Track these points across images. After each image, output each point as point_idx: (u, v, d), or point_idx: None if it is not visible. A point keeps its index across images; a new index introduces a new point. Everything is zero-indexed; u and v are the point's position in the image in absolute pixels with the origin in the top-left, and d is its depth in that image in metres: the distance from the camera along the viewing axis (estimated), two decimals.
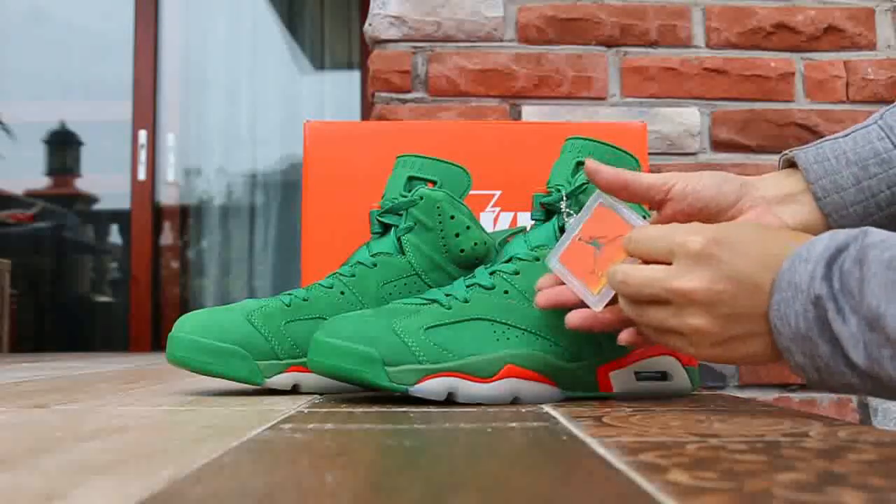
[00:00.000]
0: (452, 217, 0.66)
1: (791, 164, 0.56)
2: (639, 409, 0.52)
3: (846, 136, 0.54)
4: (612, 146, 0.61)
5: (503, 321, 0.56)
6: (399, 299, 0.60)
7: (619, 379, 0.60)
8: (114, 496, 0.26)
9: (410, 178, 0.68)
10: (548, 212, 0.61)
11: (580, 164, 0.61)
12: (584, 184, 0.59)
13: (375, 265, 0.66)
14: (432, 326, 0.55)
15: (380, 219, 0.68)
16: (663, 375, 0.61)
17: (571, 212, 0.59)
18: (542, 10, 1.08)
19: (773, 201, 0.54)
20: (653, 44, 1.08)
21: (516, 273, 0.58)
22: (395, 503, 0.25)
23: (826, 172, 0.53)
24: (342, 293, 0.65)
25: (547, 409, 0.53)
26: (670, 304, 0.46)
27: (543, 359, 0.57)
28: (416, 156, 0.69)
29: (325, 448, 0.37)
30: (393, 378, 0.53)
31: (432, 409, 0.52)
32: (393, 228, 0.67)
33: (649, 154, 0.99)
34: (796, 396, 1.04)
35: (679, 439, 0.38)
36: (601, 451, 0.35)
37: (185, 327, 0.62)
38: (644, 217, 0.56)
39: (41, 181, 3.29)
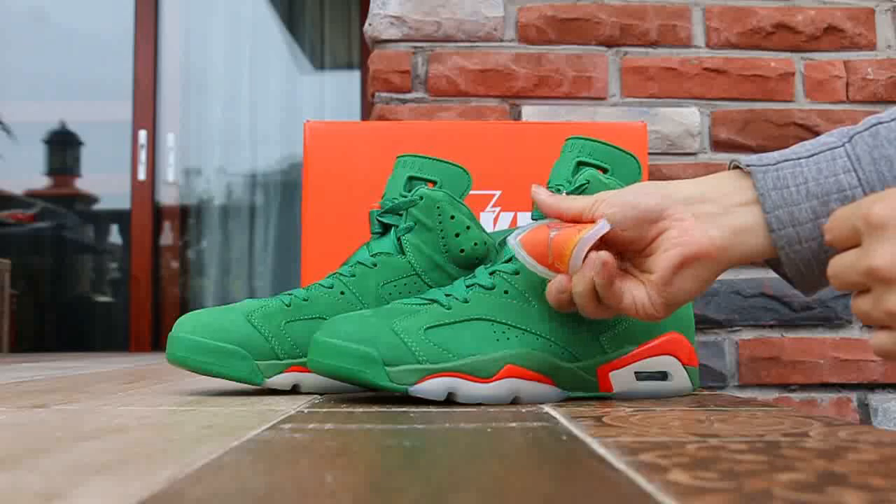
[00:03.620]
0: (452, 217, 0.66)
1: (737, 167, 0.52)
2: (639, 409, 0.52)
3: (810, 156, 0.50)
4: (611, 146, 0.61)
5: (503, 321, 0.56)
6: (399, 299, 0.60)
7: (620, 379, 0.60)
8: (114, 496, 0.26)
9: (410, 178, 0.68)
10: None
11: (581, 163, 0.61)
12: (584, 184, 0.59)
13: (375, 265, 0.66)
14: (432, 326, 0.55)
15: (380, 219, 0.68)
16: (663, 375, 0.61)
17: None
18: (542, 10, 1.08)
19: (710, 219, 0.50)
20: (653, 44, 1.08)
21: (516, 273, 0.58)
22: (395, 503, 0.25)
23: (784, 202, 0.49)
24: (342, 293, 0.65)
25: (547, 409, 0.53)
26: (869, 290, 0.38)
27: (543, 359, 0.57)
28: (416, 156, 0.69)
29: (325, 448, 0.37)
30: (393, 378, 0.53)
31: (432, 409, 0.52)
32: (393, 228, 0.67)
33: (649, 154, 0.99)
34: (796, 396, 1.04)
35: (679, 439, 0.38)
36: (601, 451, 0.35)
37: (186, 327, 0.62)
38: None
39: (41, 181, 3.29)
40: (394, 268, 0.65)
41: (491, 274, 0.59)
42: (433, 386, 0.54)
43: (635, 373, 0.60)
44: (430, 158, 0.69)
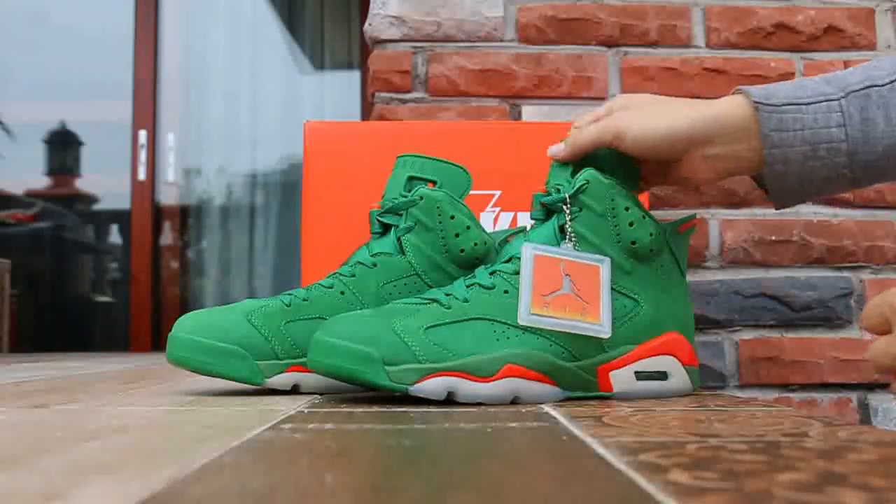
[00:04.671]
0: (452, 217, 0.66)
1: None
2: (639, 409, 0.52)
3: (810, 104, 0.56)
4: (439, 160, 0.63)
5: (503, 321, 0.56)
6: (399, 299, 0.60)
7: (620, 379, 0.60)
8: (114, 496, 0.26)
9: (410, 178, 0.68)
10: (548, 211, 0.61)
11: (580, 165, 0.61)
12: (584, 184, 0.59)
13: (375, 265, 0.66)
14: (432, 326, 0.55)
15: (380, 219, 0.68)
16: (663, 375, 0.61)
17: (575, 215, 0.59)
18: (542, 10, 1.08)
19: (716, 160, 0.59)
20: (653, 44, 1.08)
21: (516, 273, 0.58)
22: (395, 503, 0.25)
23: (781, 143, 0.56)
24: (342, 293, 0.65)
25: (547, 409, 0.53)
26: None
27: (544, 358, 0.57)
28: (416, 156, 0.69)
29: (325, 448, 0.37)
30: (393, 378, 0.53)
31: (432, 409, 0.52)
32: (393, 228, 0.67)
33: None
34: (796, 396, 1.04)
35: (679, 439, 0.38)
36: (601, 451, 0.35)
37: (185, 327, 0.62)
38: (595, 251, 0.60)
39: (41, 181, 3.29)
40: (394, 268, 0.65)
41: (491, 274, 0.59)
42: (433, 385, 0.53)
43: (635, 373, 0.60)
44: (430, 158, 0.69)
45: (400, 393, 0.54)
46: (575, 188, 0.59)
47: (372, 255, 0.66)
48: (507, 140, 0.88)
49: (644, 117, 0.59)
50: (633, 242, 0.60)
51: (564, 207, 0.60)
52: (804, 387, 1.04)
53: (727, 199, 1.06)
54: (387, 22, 1.06)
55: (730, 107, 0.58)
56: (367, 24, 1.08)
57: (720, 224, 1.06)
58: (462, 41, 1.07)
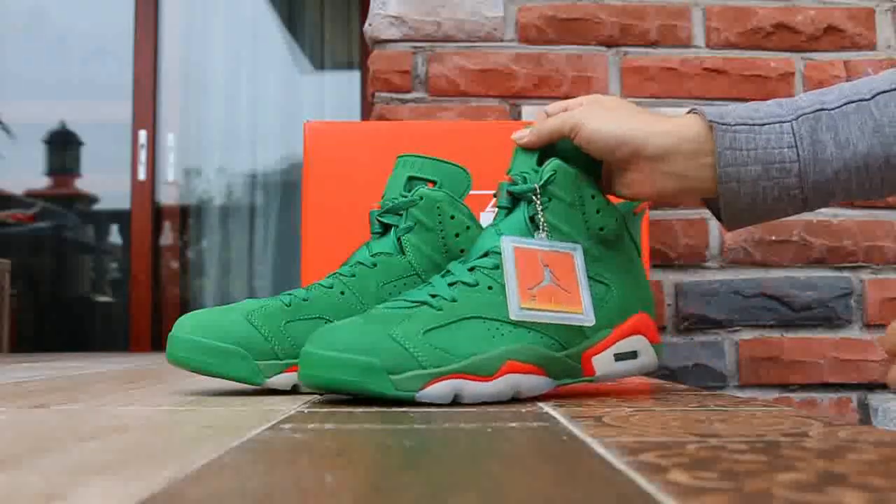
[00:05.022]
0: (452, 217, 0.66)
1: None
2: (639, 409, 0.52)
3: (763, 125, 0.57)
4: (439, 160, 0.65)
5: (495, 318, 0.56)
6: (384, 304, 0.60)
7: (601, 362, 0.61)
8: (114, 496, 0.26)
9: (410, 178, 0.68)
10: (514, 199, 0.61)
11: (545, 154, 0.61)
12: (552, 174, 0.60)
13: (375, 265, 0.65)
14: (430, 329, 0.54)
15: (380, 219, 0.68)
16: (634, 354, 0.63)
17: (545, 206, 0.60)
18: (542, 10, 1.08)
19: (668, 178, 0.59)
20: (653, 44, 1.08)
21: (496, 267, 0.58)
22: (395, 503, 0.25)
23: (735, 161, 0.57)
24: (342, 293, 0.65)
25: (547, 409, 0.53)
26: None
27: (538, 351, 0.57)
28: (416, 156, 0.69)
29: (325, 448, 0.37)
30: (398, 386, 0.52)
31: (432, 409, 0.52)
32: (393, 228, 0.67)
33: None
34: (796, 396, 1.04)
35: (679, 439, 0.38)
36: (601, 451, 0.35)
37: (185, 327, 0.62)
38: (574, 241, 0.60)
39: (41, 181, 3.29)
40: (394, 268, 0.65)
41: (470, 270, 0.59)
42: (439, 390, 0.53)
43: (614, 355, 0.62)
44: (430, 158, 0.69)
45: (407, 401, 0.53)
46: (544, 179, 0.60)
47: (372, 255, 0.66)
48: (507, 140, 0.88)
49: (603, 116, 0.60)
50: (601, 229, 0.61)
51: (534, 198, 0.60)
52: (804, 387, 1.04)
53: None
54: (387, 22, 1.06)
55: (684, 124, 0.59)
56: (367, 24, 1.08)
57: (720, 224, 1.06)
58: (462, 41, 1.07)
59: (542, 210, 0.60)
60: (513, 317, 0.56)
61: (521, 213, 0.61)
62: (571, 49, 1.08)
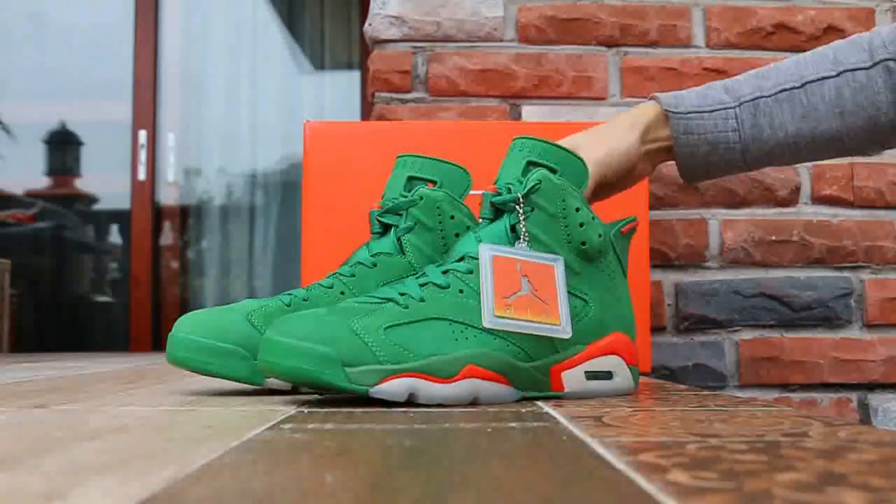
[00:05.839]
0: (452, 217, 0.66)
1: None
2: (639, 409, 0.52)
3: (711, 111, 0.69)
4: (560, 147, 0.62)
5: (461, 321, 0.56)
6: (352, 299, 0.59)
7: (571, 378, 0.60)
8: (114, 496, 0.26)
9: (410, 178, 0.68)
10: (496, 210, 0.61)
11: (531, 163, 0.61)
12: (536, 184, 0.59)
13: (375, 265, 0.65)
14: (391, 326, 0.54)
15: (380, 219, 0.68)
16: (609, 375, 0.62)
17: (527, 215, 0.60)
18: (542, 10, 1.08)
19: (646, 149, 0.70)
20: (653, 44, 1.08)
21: (470, 272, 0.58)
22: (395, 503, 0.25)
23: (688, 144, 0.70)
24: (342, 293, 0.65)
25: (547, 409, 0.53)
26: None
27: (502, 359, 0.56)
28: (416, 156, 0.69)
29: (325, 448, 0.37)
30: (353, 379, 0.51)
31: (432, 410, 0.52)
32: (393, 228, 0.67)
33: None
34: (796, 396, 1.04)
35: (679, 439, 0.38)
36: (601, 451, 0.35)
37: (185, 327, 0.62)
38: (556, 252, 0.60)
39: (41, 181, 3.29)
40: (394, 268, 0.65)
41: (444, 273, 0.58)
42: (394, 387, 0.52)
43: (585, 372, 0.61)
44: (430, 158, 0.69)
45: (360, 395, 0.52)
46: (527, 188, 0.59)
47: (372, 255, 0.66)
48: (507, 140, 0.88)
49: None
50: (584, 243, 0.60)
51: (517, 207, 0.59)
52: (804, 387, 1.04)
53: (727, 199, 1.06)
54: (387, 22, 1.06)
55: (651, 107, 0.71)
56: (367, 24, 1.08)
57: (720, 224, 1.06)
58: (462, 41, 1.07)
59: (523, 219, 0.59)
60: (486, 324, 0.55)
61: (503, 222, 0.60)
62: (571, 49, 1.08)
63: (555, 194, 0.60)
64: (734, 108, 0.69)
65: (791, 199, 1.07)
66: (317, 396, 0.61)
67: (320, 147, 0.89)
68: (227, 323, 0.62)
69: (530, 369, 0.58)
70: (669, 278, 1.05)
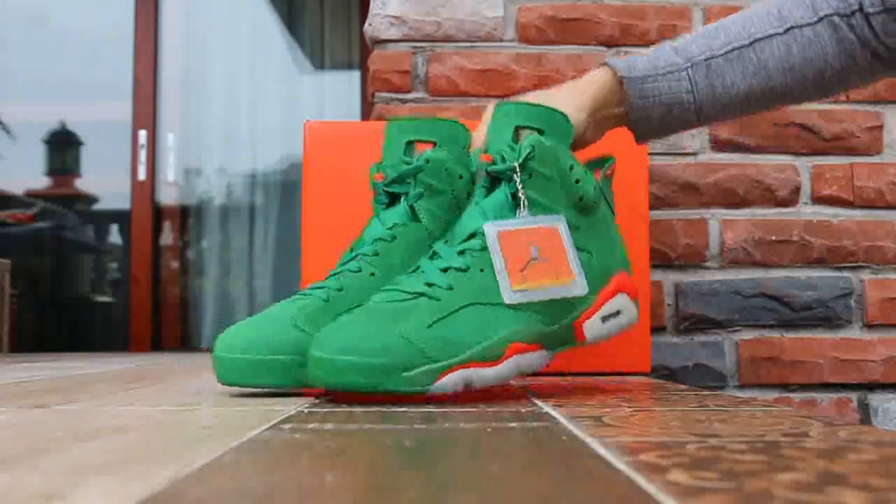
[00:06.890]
0: (461, 176, 0.66)
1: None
2: (639, 409, 0.52)
3: (665, 73, 0.69)
4: (543, 106, 0.61)
5: (491, 302, 0.57)
6: (380, 294, 0.59)
7: (591, 327, 0.62)
8: (114, 496, 0.26)
9: (409, 143, 0.67)
10: (492, 179, 0.61)
11: (520, 128, 0.61)
12: (531, 151, 0.59)
13: (395, 238, 0.65)
14: (433, 323, 0.55)
15: (386, 189, 0.67)
16: (617, 313, 0.64)
17: (525, 184, 0.60)
18: (542, 10, 1.08)
19: (594, 128, 0.69)
20: (653, 44, 1.08)
21: (484, 249, 0.58)
22: (395, 503, 0.25)
23: (643, 108, 0.69)
24: (372, 274, 0.64)
25: (547, 408, 0.53)
26: None
27: (535, 329, 0.58)
28: (408, 119, 0.68)
29: (325, 448, 0.37)
30: (411, 382, 0.53)
31: (432, 409, 0.52)
32: (403, 197, 0.66)
33: (649, 154, 0.99)
34: (796, 396, 1.04)
35: (679, 439, 0.38)
36: (601, 451, 0.35)
37: (235, 349, 0.60)
38: (555, 213, 0.60)
39: (41, 181, 3.29)
40: (413, 236, 0.65)
41: (460, 254, 0.59)
42: (450, 381, 0.54)
43: (601, 318, 0.62)
44: (423, 119, 0.69)
45: (418, 395, 0.54)
46: (523, 156, 0.60)
47: (388, 228, 0.65)
48: None
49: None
50: (581, 199, 0.61)
51: (515, 176, 0.60)
52: (804, 387, 1.04)
53: (727, 199, 1.06)
54: (387, 22, 1.06)
55: (602, 74, 0.69)
56: (367, 24, 1.08)
57: (720, 224, 1.06)
58: (462, 41, 1.07)
59: (522, 187, 0.60)
60: (507, 301, 0.57)
61: (502, 191, 0.60)
62: (571, 49, 1.08)
63: (549, 158, 0.60)
64: (686, 68, 0.70)
65: (791, 199, 1.07)
66: (317, 397, 0.61)
67: (320, 147, 0.89)
68: (275, 335, 0.60)
69: (558, 330, 0.60)
70: (669, 278, 1.05)
